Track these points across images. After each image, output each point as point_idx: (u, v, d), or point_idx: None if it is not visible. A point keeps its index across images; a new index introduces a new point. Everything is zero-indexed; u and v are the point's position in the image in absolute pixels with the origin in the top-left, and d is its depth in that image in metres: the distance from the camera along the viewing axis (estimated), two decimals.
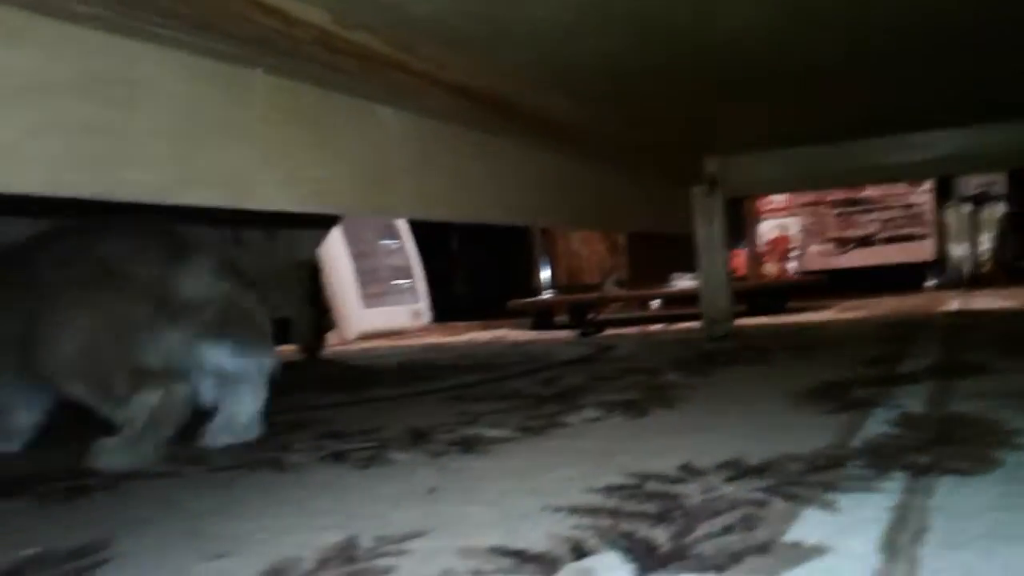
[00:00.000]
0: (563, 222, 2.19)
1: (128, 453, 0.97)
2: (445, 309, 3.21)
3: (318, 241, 2.38)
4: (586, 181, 1.57)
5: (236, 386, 1.10)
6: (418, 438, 1.00)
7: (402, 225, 3.07)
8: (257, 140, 0.82)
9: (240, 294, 1.09)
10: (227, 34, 0.74)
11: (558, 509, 0.65)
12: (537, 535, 0.59)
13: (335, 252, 2.74)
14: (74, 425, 1.33)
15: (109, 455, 0.97)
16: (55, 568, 0.62)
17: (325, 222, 2.35)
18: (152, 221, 1.13)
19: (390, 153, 1.02)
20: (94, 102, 0.65)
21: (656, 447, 0.85)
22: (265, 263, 2.25)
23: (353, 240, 2.80)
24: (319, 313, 2.40)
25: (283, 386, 1.77)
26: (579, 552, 0.55)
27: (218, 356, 1.06)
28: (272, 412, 1.34)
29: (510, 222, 1.42)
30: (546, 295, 3.15)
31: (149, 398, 0.98)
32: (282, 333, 2.37)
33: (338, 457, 0.93)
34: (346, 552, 0.59)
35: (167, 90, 0.72)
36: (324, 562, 0.58)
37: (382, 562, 0.56)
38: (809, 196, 3.50)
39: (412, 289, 3.01)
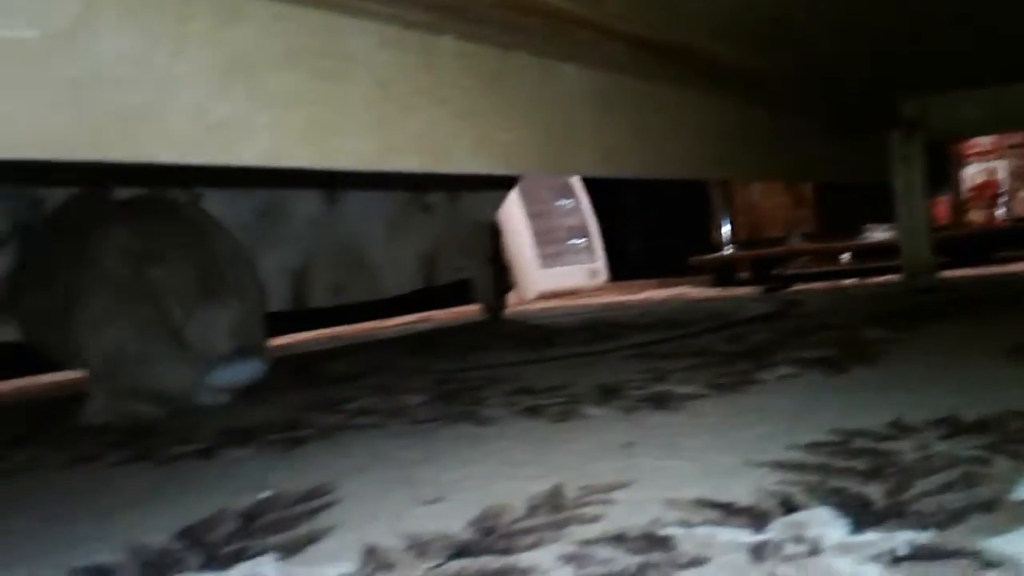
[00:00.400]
0: (747, 174, 2.12)
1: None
2: (622, 268, 3.20)
3: (498, 203, 2.43)
4: (770, 130, 1.51)
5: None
6: (608, 394, 1.01)
7: (577, 184, 3.08)
8: (449, 106, 0.84)
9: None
10: (417, 2, 0.76)
11: (761, 464, 0.64)
12: (742, 489, 0.59)
13: (513, 213, 2.78)
14: (277, 381, 1.43)
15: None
16: (288, 508, 0.68)
17: (504, 184, 2.40)
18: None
19: (573, 111, 1.03)
20: (306, 75, 0.69)
21: (860, 404, 0.82)
22: (448, 226, 2.33)
23: (530, 201, 2.84)
24: (500, 273, 2.45)
25: (470, 344, 1.83)
26: (788, 507, 0.54)
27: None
28: (464, 369, 1.39)
29: (693, 176, 1.40)
30: (727, 251, 3.08)
31: None
32: (465, 293, 2.45)
33: (532, 412, 0.96)
34: (553, 500, 0.61)
35: (369, 61, 0.76)
36: (534, 508, 0.60)
37: (590, 510, 0.58)
38: (1019, 136, 3.20)
39: (588, 248, 3.02)
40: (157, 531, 0.66)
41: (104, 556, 0.61)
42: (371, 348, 2.00)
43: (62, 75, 0.53)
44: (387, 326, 2.50)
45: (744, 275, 2.94)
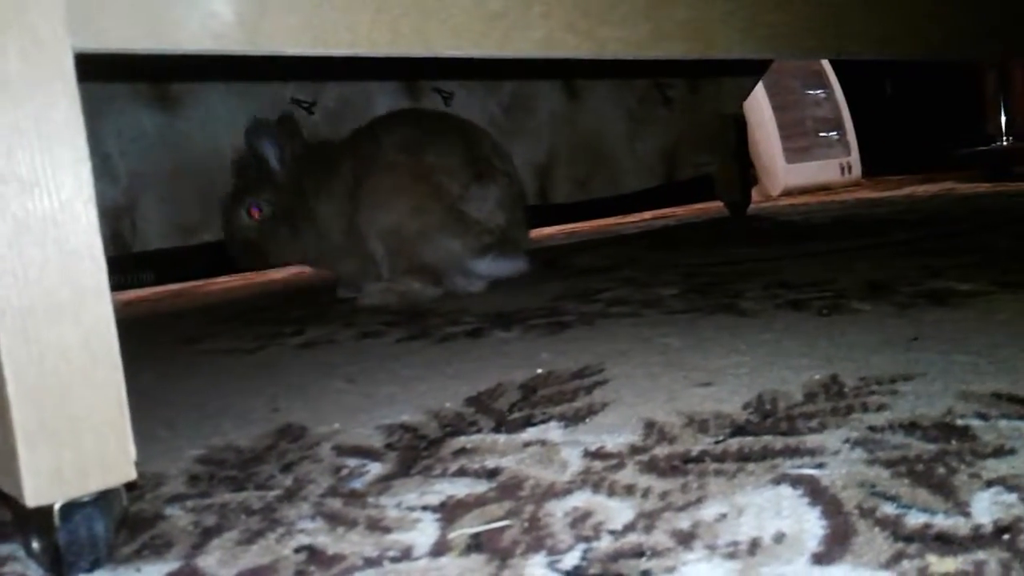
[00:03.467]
0: None
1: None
2: (878, 162, 2.98)
3: (743, 94, 2.33)
4: None
5: None
6: (877, 290, 0.97)
7: (830, 72, 2.88)
8: None
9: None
10: None
11: None
12: None
13: (759, 105, 2.66)
14: (528, 272, 1.48)
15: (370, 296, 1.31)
16: (563, 384, 0.72)
17: (750, 73, 2.29)
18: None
19: None
20: None
21: None
22: (690, 119, 2.27)
23: (777, 91, 2.70)
24: (743, 169, 2.37)
25: (714, 240, 1.81)
26: None
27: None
28: (713, 264, 1.38)
29: (974, 57, 1.27)
30: (1002, 142, 2.78)
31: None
32: (706, 190, 2.39)
33: (795, 305, 0.94)
34: (831, 388, 0.61)
35: None
36: (811, 396, 0.60)
37: (874, 399, 0.57)
38: None
39: (840, 141, 2.84)
40: (447, 398, 0.72)
41: (407, 416, 0.68)
42: (613, 243, 2.02)
43: None
44: (626, 223, 2.51)
45: (1022, 169, 2.65)
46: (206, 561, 0.45)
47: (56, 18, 0.41)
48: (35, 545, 0.46)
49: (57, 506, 0.44)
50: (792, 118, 2.77)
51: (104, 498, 0.45)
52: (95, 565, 0.45)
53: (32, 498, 0.43)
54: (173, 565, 0.45)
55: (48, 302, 0.42)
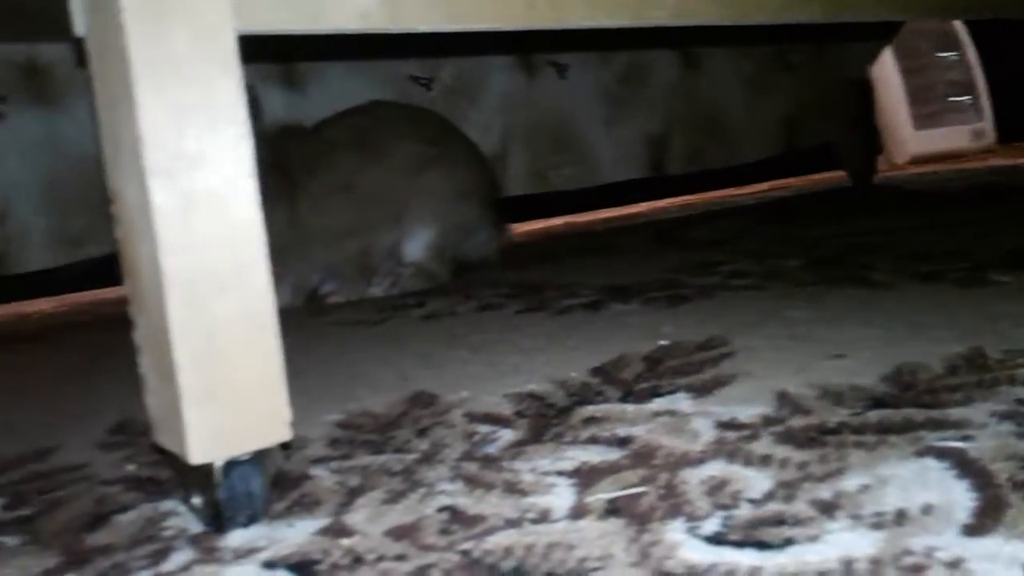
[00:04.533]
0: None
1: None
2: (1013, 127, 2.81)
3: (870, 58, 2.23)
4: None
5: None
6: (1019, 260, 0.92)
7: (963, 34, 2.72)
8: None
9: None
10: None
11: None
12: None
13: (886, 68, 2.54)
14: (640, 244, 1.46)
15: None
16: (689, 356, 0.72)
17: (879, 35, 2.19)
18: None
19: None
20: None
21: None
22: (812, 85, 2.19)
23: (905, 54, 2.57)
24: (868, 136, 2.27)
25: (837, 211, 1.75)
26: None
27: None
28: (838, 235, 1.34)
29: None
30: None
31: None
32: (829, 158, 2.31)
33: (930, 277, 0.90)
34: (975, 361, 0.59)
35: None
36: (953, 369, 0.58)
37: (1020, 372, 0.55)
38: None
39: (973, 106, 2.69)
40: (571, 368, 0.73)
41: (533, 385, 0.69)
42: (729, 215, 1.98)
43: None
44: (741, 194, 2.45)
45: None
46: (354, 518, 0.47)
47: (221, 3, 0.44)
48: (196, 501, 0.49)
49: (218, 464, 0.47)
50: (921, 82, 2.64)
51: (261, 457, 0.48)
52: (251, 520, 0.48)
53: (196, 456, 0.46)
54: (323, 521, 0.47)
55: (213, 273, 0.45)
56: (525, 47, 1.79)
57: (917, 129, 2.60)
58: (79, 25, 0.51)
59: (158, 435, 0.50)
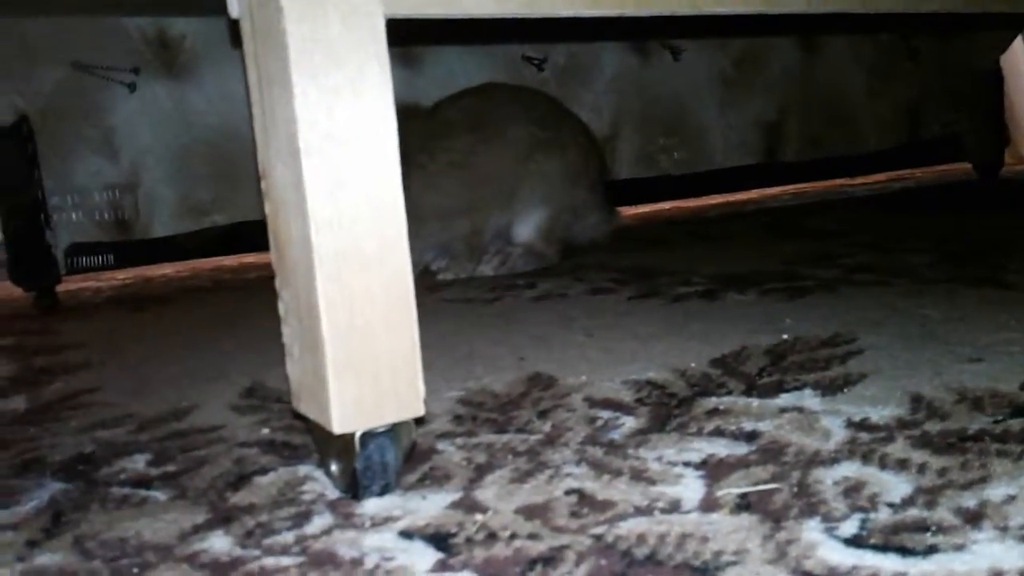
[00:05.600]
0: None
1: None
2: None
3: (1001, 47, 2.12)
4: None
5: None
6: None
7: None
8: None
9: None
10: None
11: None
12: None
13: (1015, 57, 2.41)
14: (753, 235, 1.43)
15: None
16: (813, 351, 0.71)
17: (1012, 25, 2.08)
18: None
19: None
20: None
21: None
22: (938, 74, 2.10)
23: None
24: (996, 127, 2.17)
25: (962, 204, 1.67)
26: None
27: None
28: (966, 231, 1.28)
29: None
30: None
31: None
32: (953, 150, 2.21)
33: None
34: None
35: None
36: None
37: None
38: None
39: None
40: (690, 358, 0.73)
41: (652, 373, 0.69)
42: (847, 205, 1.93)
43: None
44: (857, 184, 2.37)
45: None
46: (484, 495, 0.48)
47: None
48: (334, 468, 0.51)
49: (358, 434, 0.49)
50: None
51: (396, 429, 0.50)
52: (385, 490, 0.50)
53: (338, 426, 0.48)
54: (455, 495, 0.49)
55: (358, 250, 0.47)
56: (642, 32, 1.77)
57: None
58: (234, 7, 0.54)
59: (299, 403, 0.52)
